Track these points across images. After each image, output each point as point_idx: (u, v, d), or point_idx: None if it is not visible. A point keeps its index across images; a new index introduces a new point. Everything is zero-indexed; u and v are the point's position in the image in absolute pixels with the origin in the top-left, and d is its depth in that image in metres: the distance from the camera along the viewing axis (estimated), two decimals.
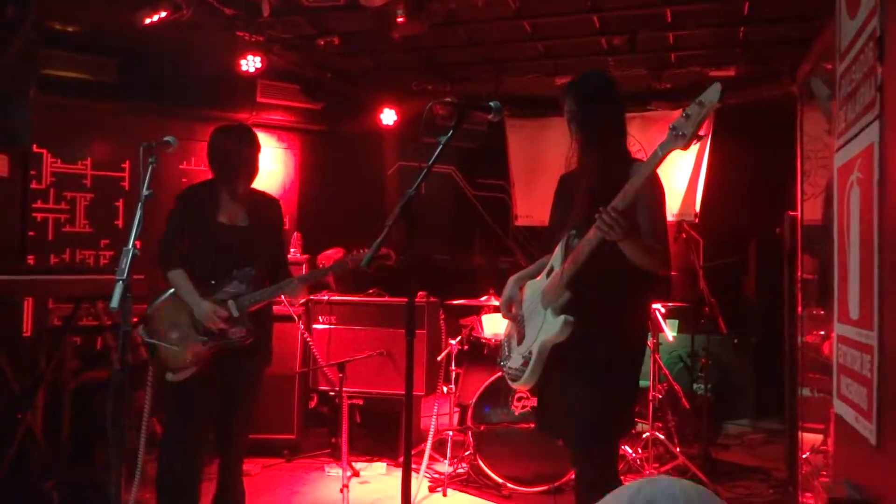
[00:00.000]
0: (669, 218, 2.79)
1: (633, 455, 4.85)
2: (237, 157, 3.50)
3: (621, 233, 2.42)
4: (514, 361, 2.87)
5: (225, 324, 3.38)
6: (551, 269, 2.77)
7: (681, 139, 2.28)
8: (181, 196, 3.58)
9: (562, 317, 2.63)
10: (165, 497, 3.43)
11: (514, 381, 2.87)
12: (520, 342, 2.88)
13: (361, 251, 3.76)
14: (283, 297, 3.68)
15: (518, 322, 2.93)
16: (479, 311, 5.43)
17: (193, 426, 3.42)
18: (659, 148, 2.35)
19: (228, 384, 3.48)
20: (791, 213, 4.73)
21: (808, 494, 3.98)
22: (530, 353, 2.75)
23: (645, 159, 2.76)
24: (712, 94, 2.22)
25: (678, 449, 4.92)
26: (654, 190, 2.65)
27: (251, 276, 3.50)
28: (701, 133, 2.26)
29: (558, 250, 2.75)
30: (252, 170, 3.56)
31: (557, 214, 2.96)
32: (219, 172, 3.54)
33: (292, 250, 5.55)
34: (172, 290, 3.43)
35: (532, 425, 4.44)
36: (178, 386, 3.36)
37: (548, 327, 2.68)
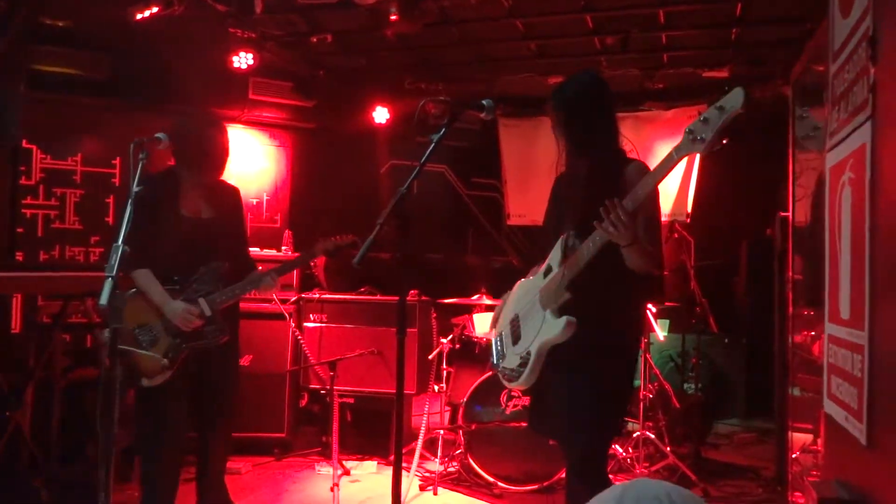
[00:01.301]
0: (662, 218, 2.78)
1: (624, 454, 4.86)
2: (214, 145, 3.34)
3: (625, 234, 2.39)
4: (510, 362, 2.84)
5: (199, 322, 3.25)
6: (548, 269, 2.76)
7: (698, 143, 2.20)
8: (139, 188, 3.24)
9: (564, 318, 2.59)
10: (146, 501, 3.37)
11: (510, 381, 2.83)
12: (515, 342, 2.85)
13: (330, 240, 3.66)
14: (256, 292, 3.49)
15: (513, 322, 2.91)
16: (470, 309, 5.42)
17: (169, 430, 3.31)
18: (674, 151, 2.29)
19: (204, 384, 3.37)
20: (782, 214, 4.75)
21: (798, 494, 3.99)
22: (528, 353, 2.72)
23: (639, 159, 2.76)
24: (735, 100, 2.12)
25: (668, 448, 4.93)
26: (651, 194, 2.63)
27: (220, 271, 3.37)
28: (724, 141, 2.16)
29: (556, 250, 2.74)
30: (225, 159, 3.41)
31: (552, 215, 2.96)
32: (191, 160, 3.33)
33: (283, 248, 5.54)
34: (135, 291, 3.24)
35: (523, 424, 4.44)
36: (151, 390, 3.22)
37: (548, 328, 2.65)
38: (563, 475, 4.45)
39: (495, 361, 2.97)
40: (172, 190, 3.35)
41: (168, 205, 3.32)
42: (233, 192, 3.56)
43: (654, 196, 2.65)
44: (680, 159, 2.29)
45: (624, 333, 2.76)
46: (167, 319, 3.25)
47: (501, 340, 2.97)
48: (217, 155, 3.38)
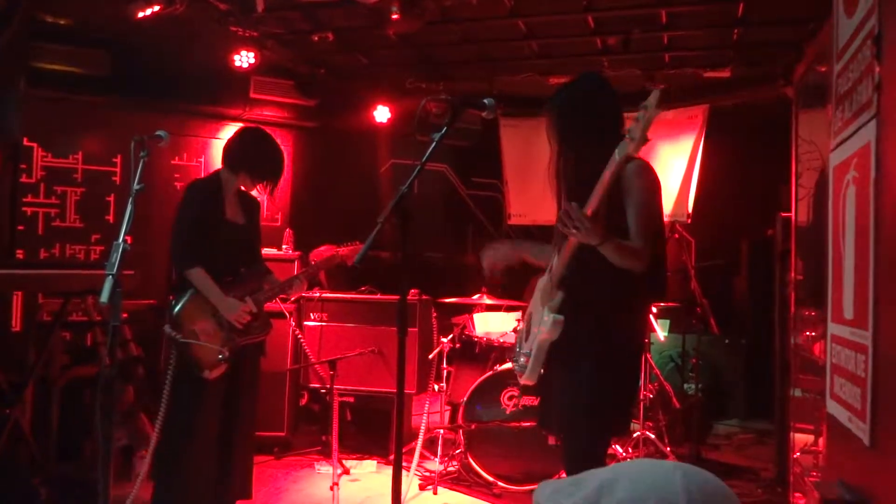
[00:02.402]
0: (663, 215, 2.78)
1: (624, 454, 4.85)
2: (281, 160, 3.67)
3: (588, 235, 2.45)
4: (521, 357, 2.92)
5: (249, 318, 3.53)
6: (550, 268, 2.81)
7: (631, 143, 2.33)
8: (191, 193, 3.61)
9: (552, 316, 2.67)
10: (172, 491, 3.46)
11: (520, 376, 2.92)
12: (526, 338, 2.94)
13: (350, 246, 3.86)
14: (286, 293, 3.85)
15: (528, 319, 2.98)
16: (471, 309, 5.42)
17: (207, 421, 3.52)
18: (616, 152, 2.40)
19: (236, 379, 3.58)
20: (783, 215, 4.75)
21: (799, 495, 3.99)
22: (531, 350, 2.79)
23: (641, 158, 2.75)
24: (653, 99, 2.28)
25: (668, 448, 4.92)
26: (644, 189, 2.63)
27: (261, 273, 3.67)
28: (648, 136, 2.31)
29: (554, 249, 2.79)
30: (282, 167, 3.74)
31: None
32: (260, 169, 3.62)
33: (284, 247, 5.53)
34: (193, 289, 3.48)
35: (523, 424, 4.45)
36: (197, 382, 3.42)
37: (543, 326, 2.72)
38: (562, 475, 4.47)
39: (514, 357, 3.05)
40: (219, 195, 3.62)
41: (216, 209, 3.58)
42: (257, 202, 3.85)
43: (647, 193, 2.64)
44: (622, 159, 2.39)
45: (620, 332, 2.74)
46: (220, 315, 3.49)
47: (520, 337, 3.05)
48: (281, 172, 3.71)
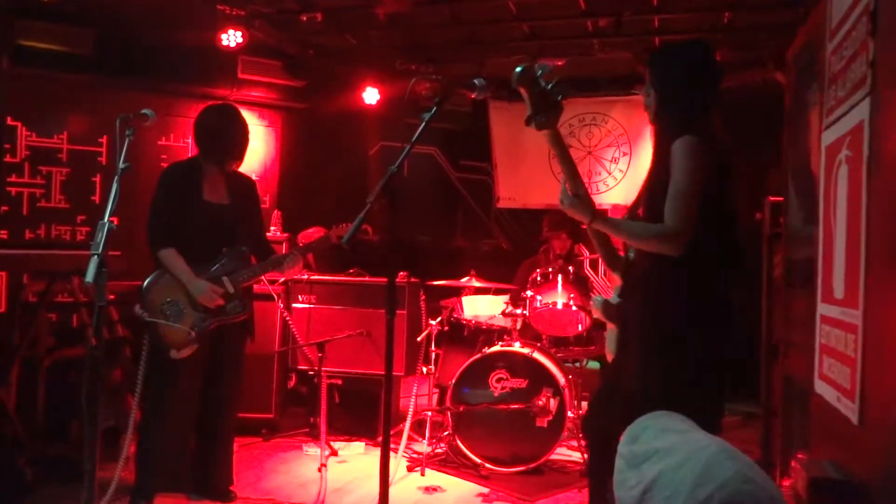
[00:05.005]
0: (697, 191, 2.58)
1: None
2: (232, 136, 3.61)
3: (575, 213, 2.44)
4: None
5: (222, 300, 3.49)
6: None
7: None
8: (166, 175, 3.61)
9: (599, 300, 2.67)
10: (151, 473, 3.45)
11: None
12: None
13: (343, 226, 3.83)
14: (278, 273, 3.78)
15: None
16: (459, 292, 5.41)
17: (183, 402, 3.51)
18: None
19: (217, 359, 3.58)
20: (772, 199, 4.75)
21: (784, 477, 4.02)
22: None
23: (699, 133, 2.62)
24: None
25: None
26: (679, 167, 2.39)
27: (244, 253, 3.63)
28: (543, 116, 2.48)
29: None
30: (244, 150, 3.67)
31: None
32: (211, 151, 3.60)
33: (272, 228, 5.50)
34: (162, 270, 3.49)
35: (511, 406, 4.46)
36: (170, 362, 3.41)
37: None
38: (550, 457, 4.49)
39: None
40: (196, 178, 3.60)
41: (192, 190, 3.57)
42: (250, 182, 3.85)
43: (682, 170, 2.38)
44: (548, 137, 2.52)
45: (664, 325, 2.45)
46: (192, 295, 3.47)
47: None
48: (238, 148, 3.65)
